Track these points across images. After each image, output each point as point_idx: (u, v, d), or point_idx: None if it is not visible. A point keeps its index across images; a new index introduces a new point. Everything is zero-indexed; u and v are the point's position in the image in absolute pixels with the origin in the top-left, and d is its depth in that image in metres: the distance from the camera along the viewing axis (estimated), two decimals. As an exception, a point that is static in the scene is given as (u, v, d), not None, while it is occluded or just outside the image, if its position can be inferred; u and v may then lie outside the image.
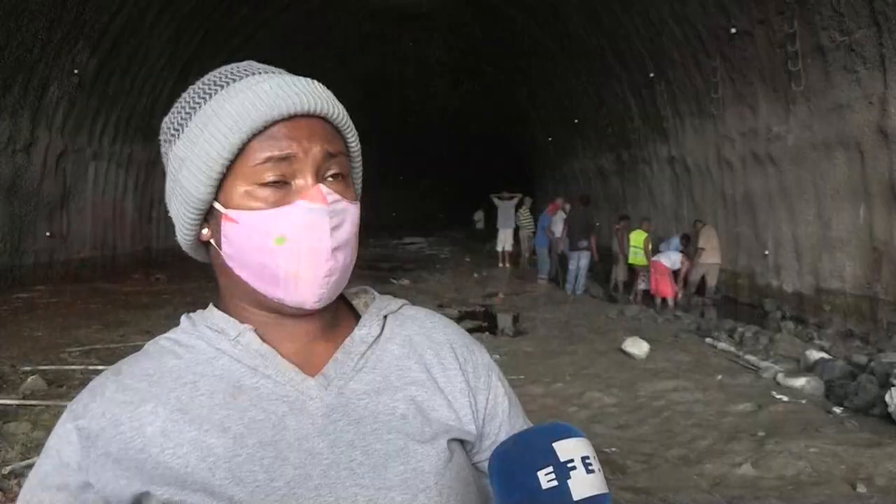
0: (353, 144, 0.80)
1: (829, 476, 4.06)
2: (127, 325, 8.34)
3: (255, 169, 0.71)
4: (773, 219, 10.77)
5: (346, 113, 0.78)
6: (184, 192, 0.74)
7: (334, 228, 0.72)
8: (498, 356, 7.30)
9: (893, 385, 5.13)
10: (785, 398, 5.72)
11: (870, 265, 8.52)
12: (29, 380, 5.53)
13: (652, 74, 14.10)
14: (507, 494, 0.68)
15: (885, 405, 5.10)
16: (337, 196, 0.73)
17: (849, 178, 8.81)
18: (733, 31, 10.56)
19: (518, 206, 18.03)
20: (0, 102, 10.88)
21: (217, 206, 0.74)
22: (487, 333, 8.86)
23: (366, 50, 23.95)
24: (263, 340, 0.77)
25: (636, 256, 12.58)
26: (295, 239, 0.71)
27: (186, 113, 0.75)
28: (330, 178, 0.74)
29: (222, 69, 0.77)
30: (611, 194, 18.93)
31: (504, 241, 17.80)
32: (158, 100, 15.89)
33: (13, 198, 11.56)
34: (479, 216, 27.93)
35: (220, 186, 0.73)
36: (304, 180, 0.72)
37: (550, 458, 0.67)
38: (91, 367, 6.20)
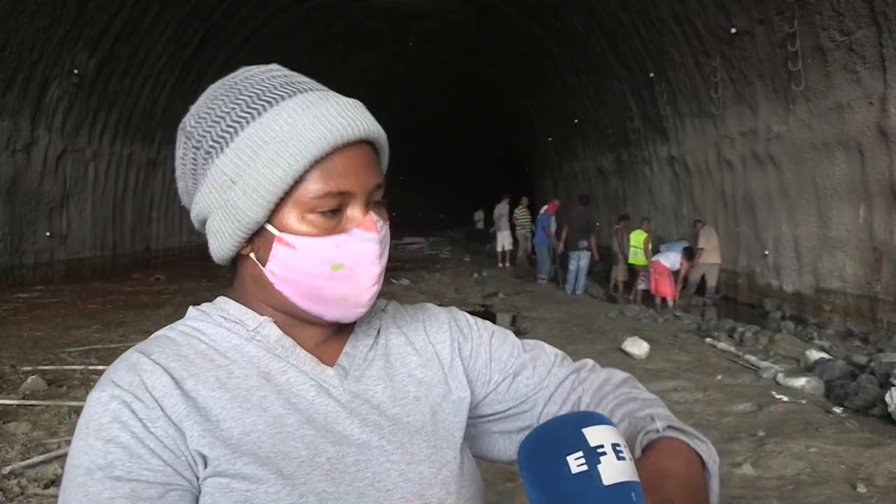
0: (385, 165, 0.83)
1: (829, 476, 4.06)
2: (127, 325, 8.34)
3: (311, 200, 0.73)
4: (773, 219, 10.77)
5: (384, 135, 0.80)
6: (236, 213, 0.74)
7: (381, 256, 0.77)
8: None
9: (893, 385, 5.13)
10: (785, 398, 5.72)
11: (870, 265, 8.52)
12: (29, 380, 5.53)
13: (652, 74, 14.10)
14: (535, 481, 0.68)
15: (885, 405, 5.09)
16: (382, 223, 0.77)
17: (849, 178, 8.81)
18: (733, 31, 10.56)
19: (514, 206, 18.07)
20: (0, 102, 10.89)
21: (270, 228, 0.74)
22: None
23: (365, 50, 23.95)
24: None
25: (636, 256, 12.58)
26: (350, 266, 0.74)
27: (229, 125, 0.73)
28: (372, 204, 0.77)
29: (258, 77, 0.76)
30: (611, 194, 18.93)
31: (502, 242, 17.86)
32: (158, 100, 15.89)
33: (13, 198, 11.56)
34: (478, 216, 27.93)
35: (273, 209, 0.74)
36: (355, 211, 0.75)
37: (580, 444, 0.66)
38: (91, 367, 6.20)
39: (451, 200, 42.72)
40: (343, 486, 0.73)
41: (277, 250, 0.74)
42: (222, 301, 0.81)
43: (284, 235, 0.73)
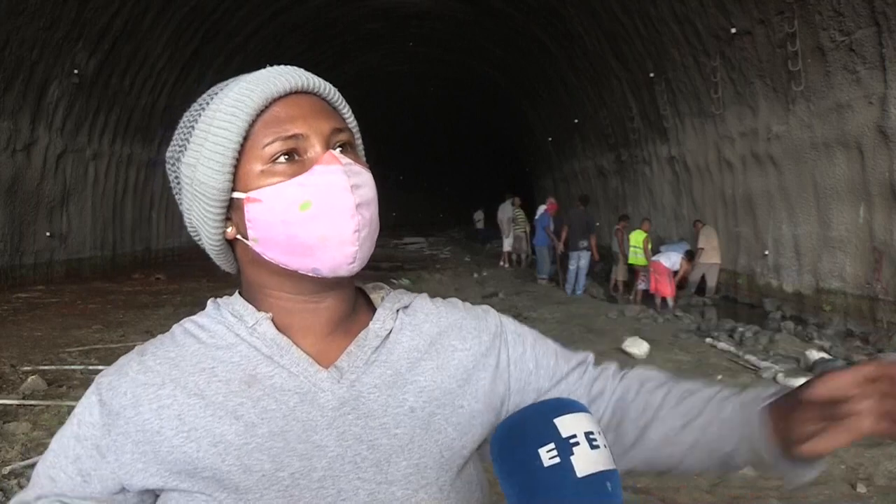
0: (350, 119, 0.83)
1: (829, 476, 4.06)
2: (127, 325, 8.34)
3: (265, 150, 0.75)
4: (773, 219, 10.77)
5: (337, 90, 0.81)
6: (202, 189, 0.76)
7: (354, 187, 0.74)
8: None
9: (893, 385, 5.12)
10: (785, 398, 5.72)
11: (870, 265, 8.52)
12: (29, 380, 5.53)
13: (652, 74, 14.10)
14: (508, 474, 0.66)
15: (885, 405, 5.09)
16: (349, 160, 0.76)
17: (849, 178, 8.81)
18: (733, 31, 10.56)
19: (512, 206, 18.06)
20: (0, 102, 10.88)
21: (238, 195, 0.76)
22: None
23: (365, 50, 23.95)
24: (281, 331, 0.78)
25: (636, 256, 12.58)
26: (319, 202, 0.73)
27: (187, 129, 0.78)
28: (339, 149, 0.77)
29: (210, 90, 0.81)
30: (611, 194, 18.93)
31: (506, 242, 17.92)
32: (158, 100, 15.89)
33: (13, 198, 11.56)
34: (479, 216, 27.89)
35: (236, 176, 0.76)
36: (313, 151, 0.75)
37: (552, 435, 0.65)
38: (91, 367, 6.20)
39: (451, 200, 42.73)
40: (301, 503, 0.71)
41: (249, 212, 0.75)
42: (235, 296, 0.83)
43: (251, 193, 0.75)
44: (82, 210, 13.85)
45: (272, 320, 0.79)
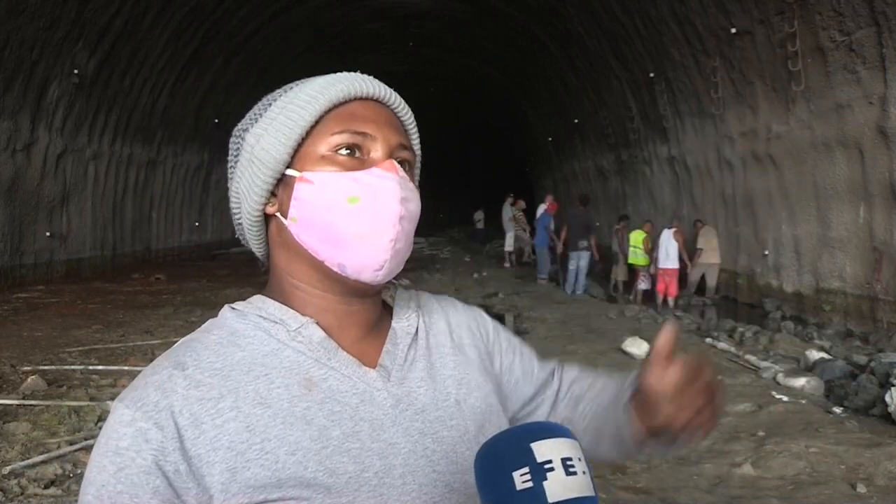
0: (416, 144, 0.85)
1: (829, 476, 4.06)
2: (127, 325, 8.34)
3: (332, 138, 0.76)
4: (773, 219, 10.77)
5: (413, 115, 0.84)
6: (261, 156, 0.77)
7: (404, 199, 0.76)
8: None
9: (893, 385, 5.13)
10: (785, 398, 5.72)
11: (870, 265, 8.52)
12: (29, 380, 5.53)
13: (652, 74, 14.10)
14: (485, 494, 0.67)
15: (885, 405, 5.10)
16: (406, 176, 0.78)
17: (849, 178, 8.81)
18: (733, 31, 10.56)
19: (512, 205, 18.10)
20: (0, 102, 10.89)
21: (292, 172, 0.77)
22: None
23: (365, 50, 23.96)
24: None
25: (636, 256, 12.58)
26: (367, 200, 0.74)
27: (264, 106, 0.80)
28: (398, 163, 0.79)
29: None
30: (611, 194, 18.93)
31: (508, 242, 17.95)
32: (158, 100, 15.89)
33: (13, 198, 11.57)
34: (479, 216, 27.86)
35: (296, 154, 0.77)
36: (376, 153, 0.77)
37: (527, 459, 0.65)
38: (91, 367, 6.20)
39: (451, 200, 42.72)
40: (391, 501, 0.72)
41: (298, 191, 0.76)
42: (259, 300, 0.80)
43: (305, 174, 0.76)
44: (82, 210, 13.85)
45: (316, 324, 0.78)
